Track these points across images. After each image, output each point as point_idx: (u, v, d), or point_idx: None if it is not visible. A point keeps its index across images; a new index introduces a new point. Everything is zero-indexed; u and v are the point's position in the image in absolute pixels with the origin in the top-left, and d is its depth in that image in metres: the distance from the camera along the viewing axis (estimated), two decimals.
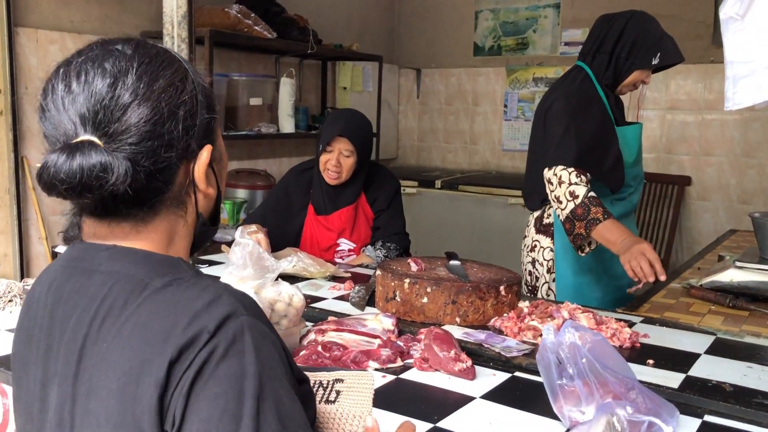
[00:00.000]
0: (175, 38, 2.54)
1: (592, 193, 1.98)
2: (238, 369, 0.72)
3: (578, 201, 1.96)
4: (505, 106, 5.09)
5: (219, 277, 1.46)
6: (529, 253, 2.35)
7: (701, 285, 2.08)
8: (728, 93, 1.81)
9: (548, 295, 2.28)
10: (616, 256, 1.95)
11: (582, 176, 2.02)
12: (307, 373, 0.91)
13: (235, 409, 0.70)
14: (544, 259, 2.26)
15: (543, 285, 2.28)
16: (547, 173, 2.07)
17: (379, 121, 4.73)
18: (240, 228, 1.44)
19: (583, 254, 2.05)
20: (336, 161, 2.45)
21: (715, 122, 4.40)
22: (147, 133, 0.78)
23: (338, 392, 0.89)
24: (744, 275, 2.00)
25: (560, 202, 2.01)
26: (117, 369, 0.74)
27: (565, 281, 2.22)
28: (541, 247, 2.29)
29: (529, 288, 2.37)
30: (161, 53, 0.84)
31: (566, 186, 1.99)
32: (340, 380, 0.90)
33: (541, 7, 4.90)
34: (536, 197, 2.31)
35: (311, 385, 0.91)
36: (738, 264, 2.03)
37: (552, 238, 2.25)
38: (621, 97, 2.31)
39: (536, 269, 2.30)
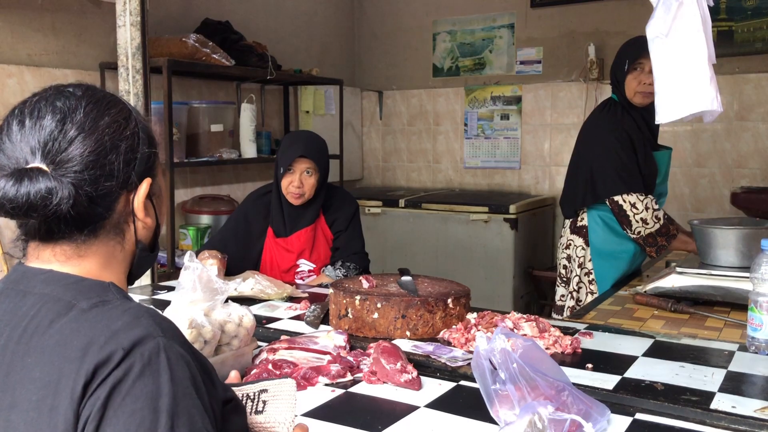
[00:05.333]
0: (129, 69, 2.59)
1: (666, 215, 2.56)
2: (154, 388, 0.78)
3: (661, 222, 2.54)
4: (466, 124, 5.19)
5: (169, 302, 1.51)
6: (564, 250, 2.79)
7: (645, 291, 2.16)
8: (658, 107, 1.90)
9: (579, 286, 2.71)
10: (627, 239, 2.60)
11: (655, 202, 2.57)
12: (233, 387, 0.97)
13: (151, 424, 0.76)
14: (577, 256, 2.71)
15: (575, 277, 2.73)
16: (629, 198, 2.54)
17: (342, 143, 4.79)
18: (189, 252, 1.48)
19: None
20: (299, 181, 2.50)
21: (667, 134, 4.53)
22: (90, 162, 0.88)
23: (265, 402, 0.95)
24: (684, 280, 2.08)
25: (647, 223, 2.53)
26: (37, 382, 0.80)
27: (602, 270, 2.66)
28: (575, 245, 2.72)
29: (563, 280, 2.81)
30: (107, 96, 0.96)
31: (652, 211, 2.54)
32: (265, 390, 0.96)
33: (496, 28, 5.02)
34: (570, 207, 2.76)
35: (240, 398, 0.96)
36: (679, 270, 2.11)
37: (584, 239, 2.70)
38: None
39: (571, 264, 2.76)
